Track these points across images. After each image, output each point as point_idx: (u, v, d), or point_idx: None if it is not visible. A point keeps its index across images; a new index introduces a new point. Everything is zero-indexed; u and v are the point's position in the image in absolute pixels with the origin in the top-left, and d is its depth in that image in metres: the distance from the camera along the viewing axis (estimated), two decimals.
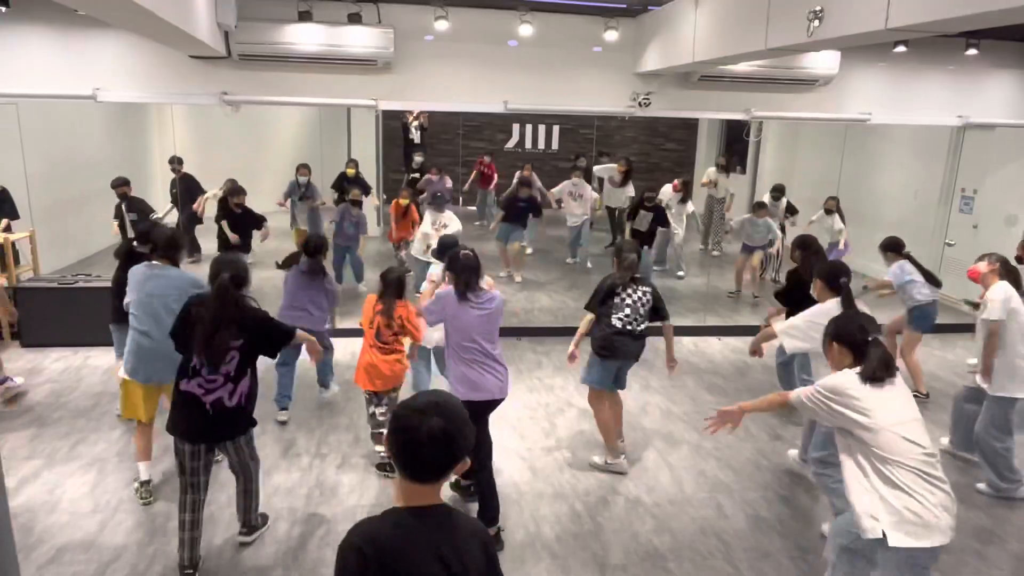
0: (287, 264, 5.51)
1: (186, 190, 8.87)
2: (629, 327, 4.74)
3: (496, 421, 5.65)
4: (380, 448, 4.83)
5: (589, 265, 10.41)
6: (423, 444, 1.70)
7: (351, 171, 9.67)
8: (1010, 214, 8.78)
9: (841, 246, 8.78)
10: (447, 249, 4.93)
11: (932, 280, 6.14)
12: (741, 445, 5.45)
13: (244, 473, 3.95)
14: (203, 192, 8.92)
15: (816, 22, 4.27)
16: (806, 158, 11.85)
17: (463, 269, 4.02)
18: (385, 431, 4.62)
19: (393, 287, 4.73)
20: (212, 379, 3.60)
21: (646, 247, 9.03)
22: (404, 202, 8.88)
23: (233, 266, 3.68)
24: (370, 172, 10.50)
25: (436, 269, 5.26)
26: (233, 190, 7.89)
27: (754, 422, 5.84)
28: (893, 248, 6.23)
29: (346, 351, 6.60)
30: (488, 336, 4.06)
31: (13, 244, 7.39)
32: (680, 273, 10.00)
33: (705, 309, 8.56)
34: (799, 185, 10.59)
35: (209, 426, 3.65)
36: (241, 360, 3.63)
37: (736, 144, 12.53)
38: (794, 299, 5.32)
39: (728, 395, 6.30)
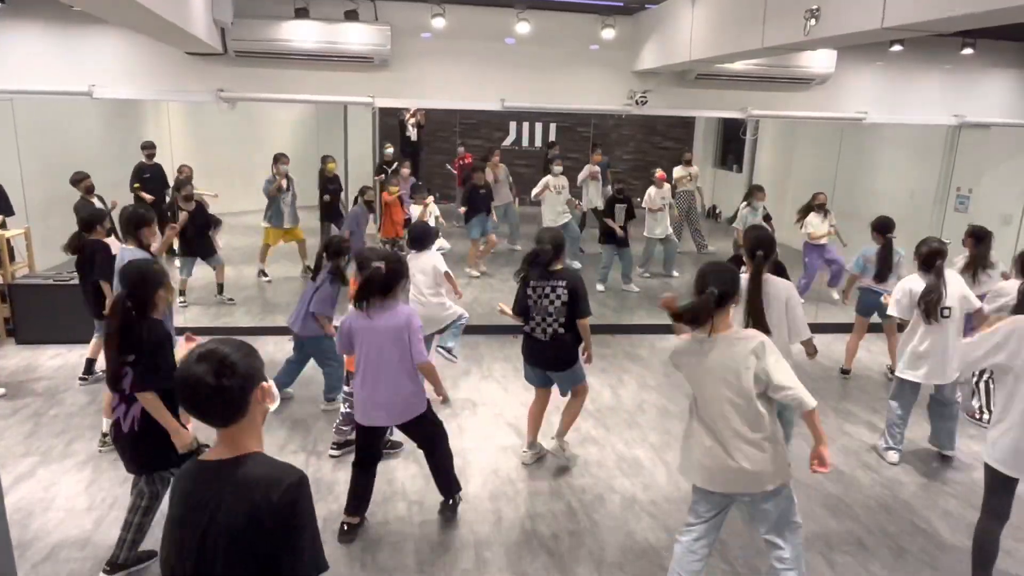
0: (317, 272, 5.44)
1: (159, 178, 8.86)
2: (535, 331, 4.60)
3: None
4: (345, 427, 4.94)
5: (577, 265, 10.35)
6: (193, 390, 1.81)
7: (332, 166, 9.46)
8: (1005, 213, 8.81)
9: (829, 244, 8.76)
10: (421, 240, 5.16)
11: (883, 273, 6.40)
12: None
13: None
14: (167, 186, 8.88)
15: (813, 21, 4.27)
16: (802, 157, 11.88)
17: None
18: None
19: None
20: (115, 398, 3.45)
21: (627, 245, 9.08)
22: (395, 191, 8.99)
23: (138, 278, 3.43)
24: (366, 170, 10.49)
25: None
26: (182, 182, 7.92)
27: None
28: (880, 229, 6.49)
29: None
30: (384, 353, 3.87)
31: (8, 241, 7.37)
32: (675, 273, 10.02)
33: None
34: (795, 184, 10.62)
35: (121, 451, 3.58)
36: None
37: (733, 143, 12.57)
38: None
39: None
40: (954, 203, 9.33)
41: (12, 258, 7.45)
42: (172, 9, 4.72)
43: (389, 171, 9.89)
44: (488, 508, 4.43)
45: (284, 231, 8.94)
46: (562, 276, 4.54)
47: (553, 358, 4.69)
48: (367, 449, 4.10)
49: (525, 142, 13.98)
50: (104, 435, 4.90)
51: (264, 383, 1.92)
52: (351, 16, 6.69)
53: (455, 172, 12.05)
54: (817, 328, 5.88)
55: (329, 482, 4.66)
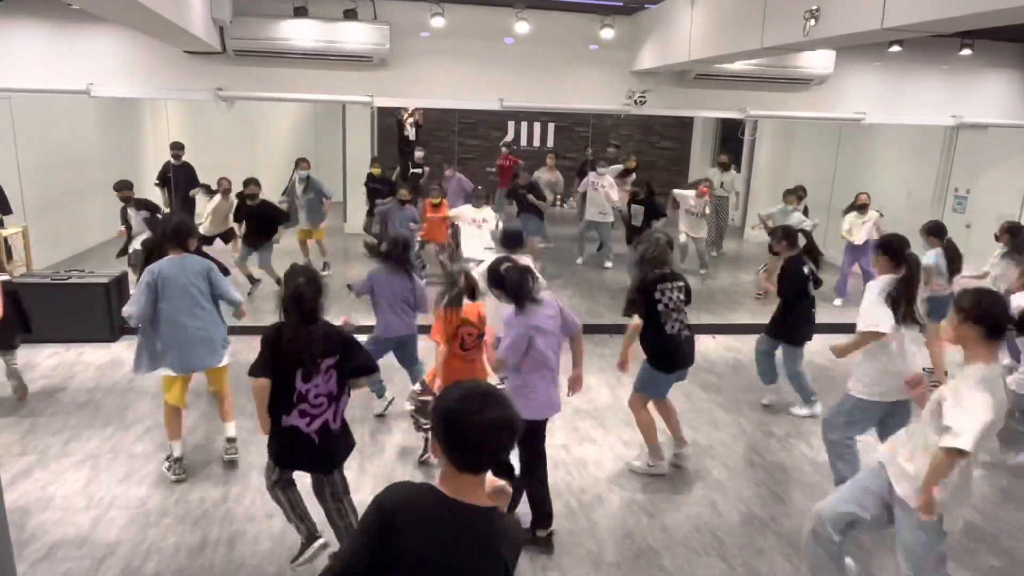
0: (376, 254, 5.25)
1: (187, 179, 8.84)
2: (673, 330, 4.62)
3: None
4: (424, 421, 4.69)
5: (609, 264, 10.26)
6: (483, 431, 1.77)
7: (377, 170, 9.64)
8: (1003, 213, 8.82)
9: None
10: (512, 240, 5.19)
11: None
12: (735, 443, 5.46)
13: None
14: (199, 184, 8.88)
15: (812, 21, 4.27)
16: (801, 157, 11.89)
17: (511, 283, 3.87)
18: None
19: (465, 293, 4.47)
20: (317, 403, 3.48)
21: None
22: (436, 201, 8.84)
23: (308, 283, 3.48)
24: (364, 169, 10.48)
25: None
26: (246, 181, 7.99)
27: (748, 420, 5.86)
28: (934, 232, 6.35)
29: None
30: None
31: (6, 239, 7.35)
32: (703, 271, 9.99)
33: (700, 307, 8.57)
34: (793, 184, 10.61)
35: (320, 455, 3.57)
36: (339, 378, 3.52)
37: (731, 143, 12.56)
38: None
39: (723, 393, 6.31)
40: (952, 203, 9.34)
41: (10, 257, 7.44)
42: (171, 7, 4.71)
43: (401, 174, 10.00)
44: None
45: (304, 231, 8.97)
46: (679, 276, 4.71)
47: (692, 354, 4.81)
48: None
49: (524, 142, 13.97)
50: (176, 460, 4.62)
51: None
52: (350, 15, 6.68)
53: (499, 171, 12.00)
54: (822, 329, 5.92)
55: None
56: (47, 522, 4.13)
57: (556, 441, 5.35)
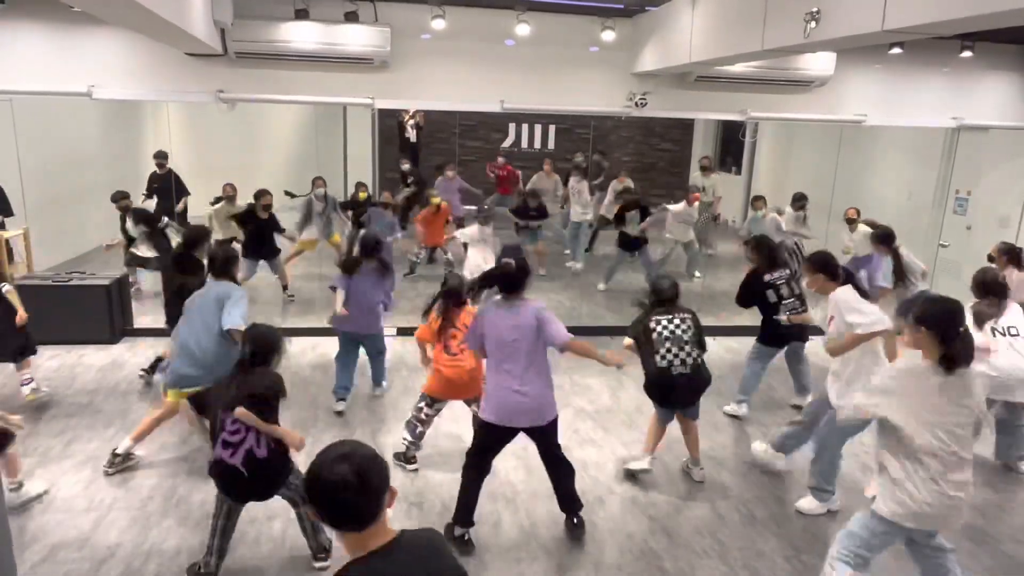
0: (351, 268, 5.52)
1: (175, 187, 8.84)
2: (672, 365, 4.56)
3: None
4: (407, 436, 4.89)
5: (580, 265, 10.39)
6: (338, 491, 1.75)
7: (363, 195, 9.61)
8: (1003, 215, 8.82)
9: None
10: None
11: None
12: (736, 446, 5.46)
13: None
14: (187, 192, 8.89)
15: (813, 23, 4.27)
16: (801, 159, 11.89)
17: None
18: (420, 428, 4.82)
19: (452, 295, 4.73)
20: (234, 429, 3.52)
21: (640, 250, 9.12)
22: (436, 201, 8.90)
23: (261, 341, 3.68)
24: (366, 171, 10.49)
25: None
26: (259, 193, 8.04)
27: (749, 423, 5.86)
28: (883, 241, 6.39)
29: None
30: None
31: (7, 241, 7.36)
32: (697, 275, 10.00)
33: (699, 310, 8.54)
34: (794, 186, 10.60)
35: (252, 486, 3.60)
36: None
37: (732, 145, 12.57)
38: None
39: (723, 395, 6.30)
40: (953, 206, 9.34)
41: (11, 259, 7.44)
42: (172, 10, 4.72)
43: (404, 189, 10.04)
44: (487, 510, 4.42)
45: (310, 242, 9.00)
46: (685, 308, 4.75)
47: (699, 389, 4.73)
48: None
49: (524, 144, 13.97)
50: (116, 454, 4.75)
51: (393, 487, 1.87)
52: (351, 17, 6.69)
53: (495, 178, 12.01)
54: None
55: None
56: (48, 524, 4.13)
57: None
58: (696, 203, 9.52)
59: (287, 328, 7.42)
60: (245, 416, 3.46)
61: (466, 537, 4.05)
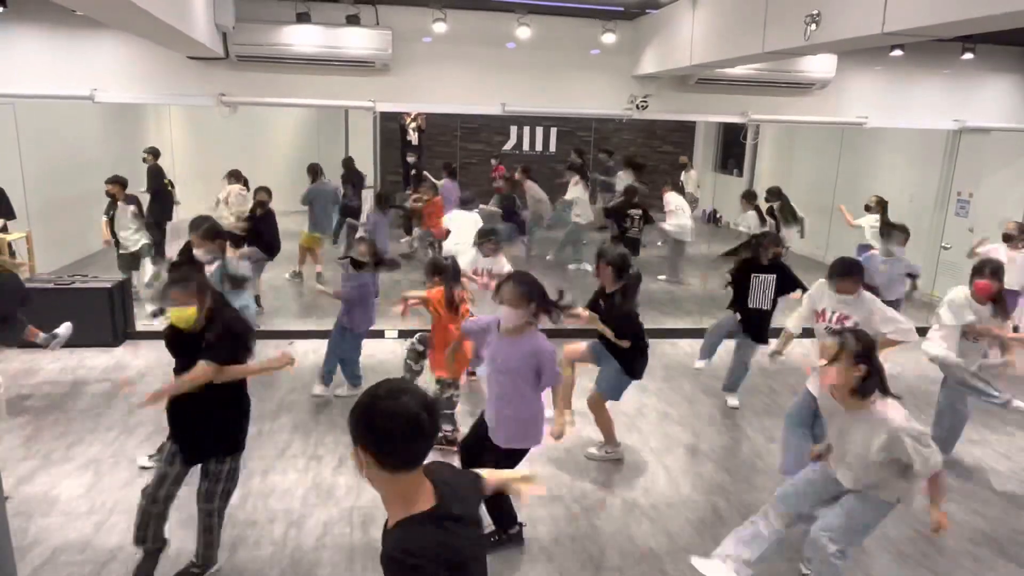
0: (361, 266, 5.68)
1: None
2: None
3: None
4: (446, 426, 5.10)
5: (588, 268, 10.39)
6: (408, 422, 1.70)
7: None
8: (1005, 218, 8.80)
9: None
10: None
11: None
12: (737, 447, 5.46)
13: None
14: (169, 186, 8.95)
15: (813, 26, 4.28)
16: (802, 161, 11.89)
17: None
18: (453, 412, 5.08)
19: (451, 273, 5.10)
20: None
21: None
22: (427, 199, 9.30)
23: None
24: (367, 173, 10.50)
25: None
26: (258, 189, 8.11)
27: (749, 424, 5.85)
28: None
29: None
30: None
31: (10, 244, 7.37)
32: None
33: (701, 312, 8.57)
34: (795, 188, 10.62)
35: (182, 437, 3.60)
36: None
37: (733, 147, 12.58)
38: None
39: (724, 397, 6.30)
40: (954, 208, 9.33)
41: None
42: (174, 13, 4.73)
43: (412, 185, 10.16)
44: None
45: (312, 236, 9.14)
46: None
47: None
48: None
49: (526, 146, 13.99)
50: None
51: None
52: (352, 20, 6.70)
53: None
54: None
55: (328, 486, 4.65)
56: (50, 527, 4.13)
57: (557, 446, 5.34)
58: (666, 194, 9.70)
59: (291, 331, 7.46)
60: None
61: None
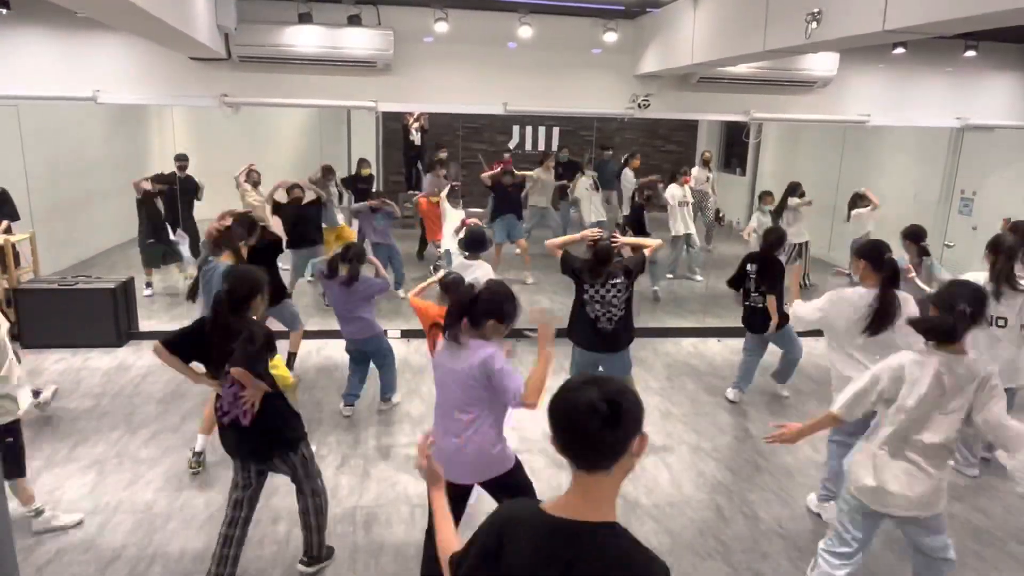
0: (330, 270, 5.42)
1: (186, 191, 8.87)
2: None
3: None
4: None
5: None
6: (581, 415, 1.58)
7: (367, 172, 9.74)
8: (1009, 215, 8.78)
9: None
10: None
11: None
12: (740, 447, 5.45)
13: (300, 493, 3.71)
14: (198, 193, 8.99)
15: (814, 24, 4.27)
16: (805, 160, 11.87)
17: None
18: None
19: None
20: (228, 395, 3.47)
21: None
22: (436, 199, 9.12)
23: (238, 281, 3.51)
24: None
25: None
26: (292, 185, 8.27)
27: (753, 424, 5.85)
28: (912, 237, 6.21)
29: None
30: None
31: (13, 246, 7.40)
32: (698, 277, 10.02)
33: (704, 311, 8.57)
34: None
35: (239, 444, 3.54)
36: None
37: (736, 146, 12.57)
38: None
39: (730, 394, 6.29)
40: (958, 206, 9.31)
41: (17, 263, 7.48)
42: (176, 15, 4.75)
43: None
44: (487, 511, 4.42)
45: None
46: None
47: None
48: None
49: (528, 146, 14.00)
50: (196, 453, 4.79)
51: (645, 432, 1.66)
52: (354, 21, 6.71)
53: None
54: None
55: (331, 486, 4.66)
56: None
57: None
58: (687, 184, 9.62)
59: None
60: (243, 376, 3.33)
61: None
